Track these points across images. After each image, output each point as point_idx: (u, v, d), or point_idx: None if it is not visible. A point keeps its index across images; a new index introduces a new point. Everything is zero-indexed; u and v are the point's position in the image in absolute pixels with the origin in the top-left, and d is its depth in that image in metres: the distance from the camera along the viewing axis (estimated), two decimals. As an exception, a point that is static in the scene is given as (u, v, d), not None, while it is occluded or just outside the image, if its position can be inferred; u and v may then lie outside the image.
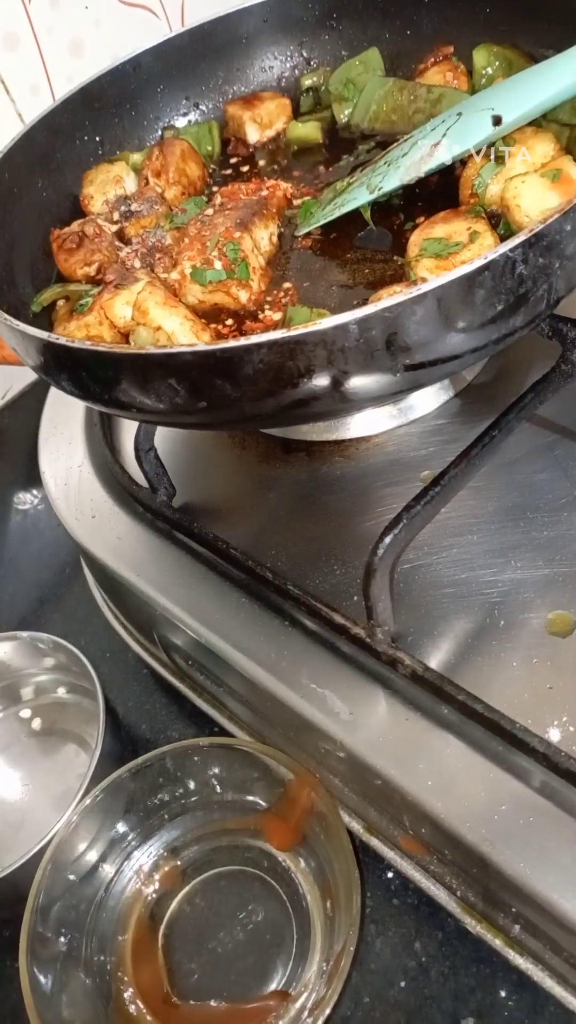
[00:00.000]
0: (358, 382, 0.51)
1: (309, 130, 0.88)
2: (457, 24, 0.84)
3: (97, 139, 0.88)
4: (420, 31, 0.88)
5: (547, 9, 0.77)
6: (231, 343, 0.48)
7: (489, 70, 0.80)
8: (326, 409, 0.55)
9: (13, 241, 0.76)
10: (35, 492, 1.04)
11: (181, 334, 0.63)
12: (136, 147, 0.90)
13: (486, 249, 0.59)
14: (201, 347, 0.49)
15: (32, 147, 0.80)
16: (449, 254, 0.61)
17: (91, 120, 0.87)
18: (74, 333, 0.68)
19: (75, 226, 0.78)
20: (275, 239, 0.75)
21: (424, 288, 0.47)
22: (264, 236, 0.72)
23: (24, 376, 1.12)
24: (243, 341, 0.48)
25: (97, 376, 0.55)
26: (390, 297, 0.47)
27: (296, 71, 0.95)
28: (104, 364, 0.53)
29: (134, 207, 0.79)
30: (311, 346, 0.48)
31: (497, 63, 0.79)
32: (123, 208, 0.79)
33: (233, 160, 0.90)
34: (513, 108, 0.65)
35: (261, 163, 0.89)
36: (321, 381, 0.50)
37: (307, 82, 0.92)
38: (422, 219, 0.68)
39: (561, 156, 0.65)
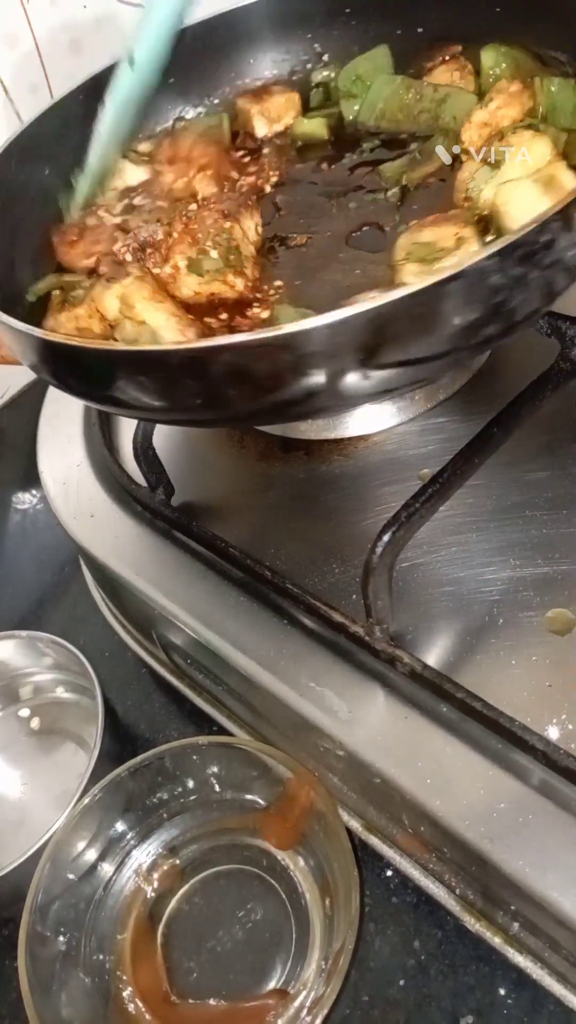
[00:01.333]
0: (327, 386, 0.51)
1: (315, 127, 0.88)
2: (468, 23, 0.83)
3: None
4: (431, 28, 0.87)
5: (559, 10, 0.76)
6: (195, 343, 0.49)
7: (496, 70, 0.79)
8: (297, 411, 0.56)
9: (16, 229, 0.76)
10: (34, 492, 1.04)
11: (166, 329, 0.63)
12: (145, 138, 0.90)
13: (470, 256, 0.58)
14: (168, 346, 0.51)
15: (40, 136, 0.80)
16: (433, 259, 0.61)
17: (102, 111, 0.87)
18: (64, 324, 0.68)
19: (76, 217, 0.78)
20: (259, 229, 0.75)
21: (396, 295, 0.46)
22: (251, 226, 0.73)
23: (23, 376, 1.12)
24: (207, 342, 0.48)
25: (68, 368, 0.56)
26: (361, 303, 0.46)
27: (308, 65, 0.94)
28: (70, 356, 0.54)
29: (136, 200, 0.79)
30: (276, 349, 0.47)
31: (504, 64, 0.79)
32: (125, 200, 0.79)
33: (239, 153, 0.90)
34: (142, 45, 0.68)
35: (266, 158, 0.89)
36: (287, 384, 0.50)
37: (317, 77, 0.92)
38: (414, 222, 0.68)
39: (557, 161, 0.65)
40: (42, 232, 0.79)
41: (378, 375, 0.51)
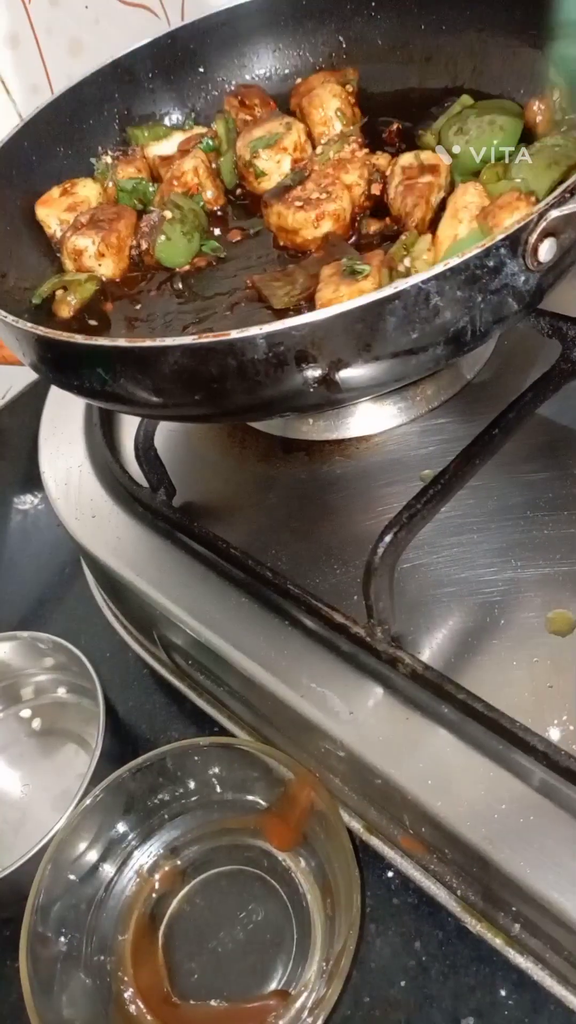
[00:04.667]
0: (269, 393, 0.53)
1: None
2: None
3: (126, 112, 0.90)
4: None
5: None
6: (147, 343, 0.52)
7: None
8: (293, 404, 0.57)
9: (27, 204, 0.79)
10: (35, 492, 1.04)
11: None
12: (154, 129, 0.91)
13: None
14: (120, 343, 0.53)
15: (56, 118, 0.83)
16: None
17: (121, 93, 0.90)
18: None
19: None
20: None
21: (331, 311, 0.48)
22: None
23: (24, 376, 1.12)
24: (158, 342, 0.52)
25: (65, 363, 0.59)
26: (296, 317, 0.49)
27: (331, 56, 0.94)
28: (66, 352, 0.56)
29: None
30: (220, 355, 0.50)
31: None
32: None
33: None
34: None
35: None
36: (230, 388, 0.52)
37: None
38: None
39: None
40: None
41: (317, 386, 0.53)
